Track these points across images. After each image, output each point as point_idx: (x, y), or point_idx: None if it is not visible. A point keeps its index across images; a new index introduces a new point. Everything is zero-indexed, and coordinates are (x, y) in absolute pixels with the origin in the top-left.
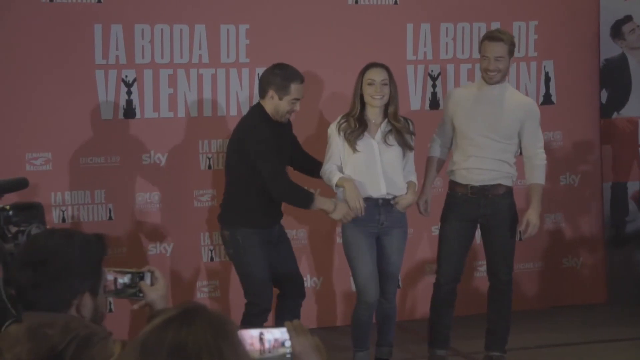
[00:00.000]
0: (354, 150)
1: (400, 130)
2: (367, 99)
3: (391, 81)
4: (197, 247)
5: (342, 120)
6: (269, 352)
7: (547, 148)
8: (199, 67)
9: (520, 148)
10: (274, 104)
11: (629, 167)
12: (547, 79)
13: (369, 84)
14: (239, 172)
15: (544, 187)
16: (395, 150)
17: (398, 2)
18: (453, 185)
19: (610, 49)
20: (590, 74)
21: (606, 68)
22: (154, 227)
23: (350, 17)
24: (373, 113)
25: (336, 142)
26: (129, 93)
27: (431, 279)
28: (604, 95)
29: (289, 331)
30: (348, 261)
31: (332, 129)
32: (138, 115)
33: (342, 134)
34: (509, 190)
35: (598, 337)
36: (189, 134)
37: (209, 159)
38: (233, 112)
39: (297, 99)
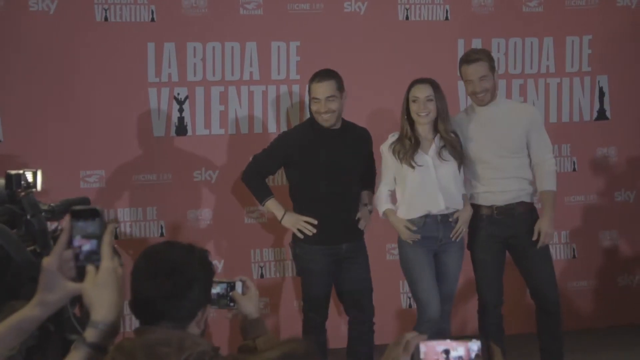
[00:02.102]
0: (413, 167)
1: (454, 144)
2: (413, 116)
3: (437, 96)
4: (247, 264)
5: (394, 143)
6: None
7: (602, 164)
8: (250, 84)
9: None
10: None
11: None
12: (601, 94)
13: (413, 101)
14: (290, 187)
15: (555, 194)
16: (451, 165)
17: (449, 18)
18: (475, 208)
19: None
20: None
21: None
22: (204, 243)
23: (401, 33)
24: (423, 130)
25: (388, 162)
26: (180, 110)
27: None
28: None
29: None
30: (407, 278)
31: (384, 150)
32: (189, 133)
33: (395, 156)
34: (532, 207)
35: None
36: (240, 151)
37: None
38: (283, 128)
39: (315, 98)
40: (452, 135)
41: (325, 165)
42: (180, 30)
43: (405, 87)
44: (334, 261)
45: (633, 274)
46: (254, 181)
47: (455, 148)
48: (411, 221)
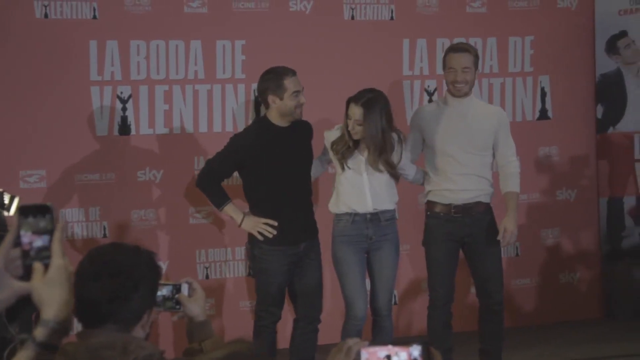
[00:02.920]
0: (343, 168)
1: (388, 165)
2: None
3: (369, 118)
4: (192, 265)
5: (335, 142)
6: None
7: (544, 163)
8: (195, 82)
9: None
10: (278, 108)
11: (625, 182)
12: (543, 94)
13: (348, 118)
14: (245, 188)
15: (519, 195)
16: (384, 174)
17: (394, 18)
18: (432, 205)
19: (605, 64)
20: (586, 89)
21: (602, 83)
22: (148, 244)
23: (347, 32)
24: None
25: (329, 152)
26: (124, 109)
27: (427, 295)
28: (600, 110)
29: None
30: (337, 277)
31: (327, 140)
32: (133, 132)
33: (333, 151)
34: (489, 207)
35: (595, 353)
36: (185, 151)
37: None
38: (229, 128)
39: (297, 91)
40: (388, 164)
41: (280, 165)
42: (123, 27)
43: (350, 87)
44: (293, 262)
45: (574, 271)
46: (209, 186)
47: (391, 167)
48: (338, 217)
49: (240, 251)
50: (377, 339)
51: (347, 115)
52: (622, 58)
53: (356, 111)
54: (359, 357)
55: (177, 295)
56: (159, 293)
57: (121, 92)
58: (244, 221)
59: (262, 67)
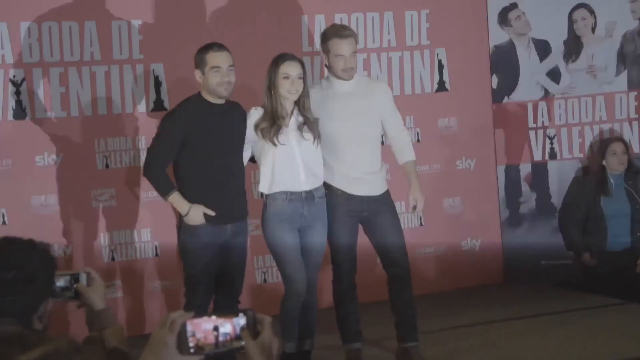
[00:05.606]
0: (275, 145)
1: (313, 121)
2: (282, 92)
3: (304, 75)
4: (98, 248)
5: (259, 121)
6: (223, 345)
7: (444, 134)
8: (91, 64)
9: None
10: (202, 83)
11: (520, 150)
12: (441, 67)
13: (285, 78)
14: (176, 166)
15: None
16: (310, 143)
17: None
18: (329, 186)
19: (498, 36)
20: (481, 60)
21: (495, 54)
22: (51, 229)
23: (247, 7)
24: (287, 104)
25: (248, 136)
26: (17, 93)
27: (330, 268)
28: (495, 80)
29: (242, 331)
30: (273, 255)
31: (249, 125)
32: (29, 116)
33: (259, 133)
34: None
35: (494, 316)
36: (84, 133)
37: (106, 157)
38: (129, 109)
39: (217, 67)
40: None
41: (214, 141)
42: (11, 9)
43: (252, 63)
44: (218, 243)
45: (475, 238)
46: (156, 174)
47: (314, 125)
48: (273, 196)
49: (147, 233)
50: (305, 316)
51: (278, 77)
52: (514, 29)
53: (297, 67)
54: (184, 330)
55: (75, 285)
56: (57, 284)
57: (14, 76)
58: (190, 212)
59: (160, 46)
